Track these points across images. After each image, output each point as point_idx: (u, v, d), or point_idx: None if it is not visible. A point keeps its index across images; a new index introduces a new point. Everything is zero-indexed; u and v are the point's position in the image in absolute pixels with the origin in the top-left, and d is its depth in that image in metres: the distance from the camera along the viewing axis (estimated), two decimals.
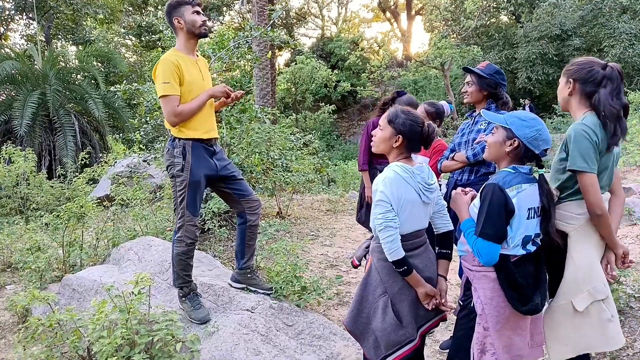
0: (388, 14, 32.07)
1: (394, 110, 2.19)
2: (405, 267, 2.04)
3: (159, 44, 19.88)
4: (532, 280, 2.03)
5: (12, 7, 18.83)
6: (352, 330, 2.24)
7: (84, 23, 21.48)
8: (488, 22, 22.80)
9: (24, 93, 12.77)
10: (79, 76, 15.53)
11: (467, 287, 2.35)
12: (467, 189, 2.26)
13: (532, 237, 2.03)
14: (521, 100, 18.63)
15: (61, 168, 9.27)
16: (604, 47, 18.24)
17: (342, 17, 33.63)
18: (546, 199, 2.01)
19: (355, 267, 2.55)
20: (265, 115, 6.29)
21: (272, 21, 7.52)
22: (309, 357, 2.82)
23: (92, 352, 2.51)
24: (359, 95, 26.14)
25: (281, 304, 3.20)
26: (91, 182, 8.32)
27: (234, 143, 5.61)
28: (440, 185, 3.11)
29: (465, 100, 3.15)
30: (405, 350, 2.08)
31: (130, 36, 25.21)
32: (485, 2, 20.79)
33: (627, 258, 2.16)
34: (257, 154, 5.73)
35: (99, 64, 17.74)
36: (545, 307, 2.15)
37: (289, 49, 27.35)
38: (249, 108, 5.92)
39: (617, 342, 2.08)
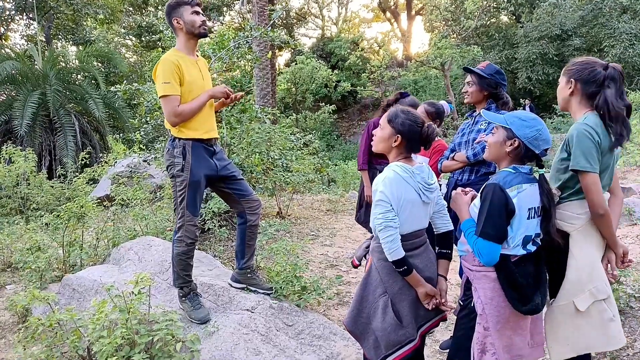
0: (388, 14, 32.07)
1: (394, 109, 2.19)
2: (405, 267, 2.04)
3: (159, 44, 19.90)
4: (532, 280, 2.03)
5: (13, 7, 18.84)
6: (352, 330, 2.23)
7: (84, 23, 21.49)
8: (488, 22, 22.81)
9: (24, 93, 12.78)
10: (79, 76, 15.53)
11: (467, 287, 2.35)
12: (467, 189, 2.26)
13: (533, 237, 2.03)
14: (521, 100, 18.63)
15: (61, 168, 9.27)
16: (604, 47, 18.24)
17: (342, 17, 33.64)
18: (546, 199, 2.01)
19: (356, 267, 2.55)
20: (266, 115, 6.29)
21: (272, 21, 7.53)
22: (309, 357, 2.82)
23: (92, 352, 2.51)
24: (359, 95, 26.16)
25: (281, 303, 3.20)
26: (91, 182, 8.32)
27: (234, 143, 5.61)
28: (440, 185, 3.11)
29: (465, 101, 3.15)
30: (405, 350, 2.08)
31: (131, 36, 25.21)
32: (486, 2, 20.79)
33: (626, 257, 2.17)
34: (257, 154, 5.73)
35: (99, 64, 17.75)
36: (546, 307, 2.15)
37: (289, 49, 27.36)
38: (249, 108, 5.92)
39: (618, 342, 2.08)
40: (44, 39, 18.70)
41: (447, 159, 3.16)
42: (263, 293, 3.24)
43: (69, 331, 2.63)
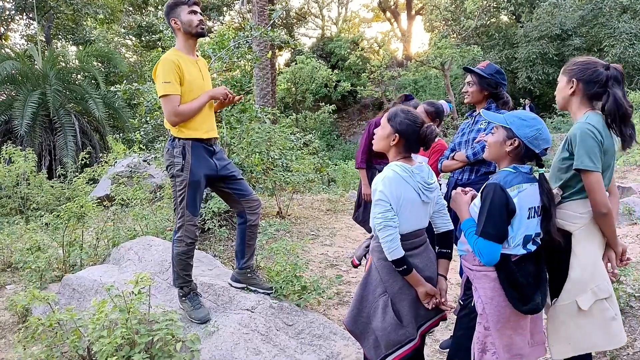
0: (388, 14, 32.07)
1: (394, 108, 2.19)
2: (405, 267, 2.04)
3: (159, 44, 19.90)
4: (532, 279, 2.03)
5: (13, 7, 18.84)
6: (352, 330, 2.23)
7: (84, 23, 21.49)
8: (488, 22, 22.82)
9: (24, 93, 12.78)
10: (79, 76, 15.54)
11: (467, 286, 2.35)
12: (467, 189, 2.26)
13: (533, 236, 2.03)
14: (521, 100, 18.64)
15: (61, 168, 9.27)
16: (604, 46, 18.25)
17: (342, 17, 33.65)
18: (546, 198, 2.01)
19: (356, 266, 2.54)
20: (266, 115, 6.29)
21: (272, 21, 7.52)
22: (309, 357, 2.82)
23: (92, 352, 2.51)
24: (359, 95, 26.15)
25: (281, 303, 3.20)
26: (91, 182, 8.32)
27: (234, 143, 5.61)
28: (440, 184, 3.11)
29: (466, 100, 3.15)
30: (405, 350, 2.08)
31: (131, 36, 25.22)
32: (486, 1, 20.79)
33: (624, 256, 2.18)
34: (257, 153, 5.73)
35: (99, 64, 17.75)
36: (548, 307, 2.15)
37: (289, 48, 27.36)
38: (249, 108, 5.92)
39: (619, 341, 2.08)
40: (43, 39, 18.71)
41: (447, 158, 3.16)
42: (263, 293, 3.24)
43: (69, 331, 2.63)
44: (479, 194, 2.10)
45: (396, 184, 2.05)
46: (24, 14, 19.51)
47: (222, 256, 4.78)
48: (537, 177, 2.06)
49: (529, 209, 2.00)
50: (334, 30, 32.33)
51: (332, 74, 24.57)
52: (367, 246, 2.35)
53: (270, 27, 6.68)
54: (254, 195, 3.16)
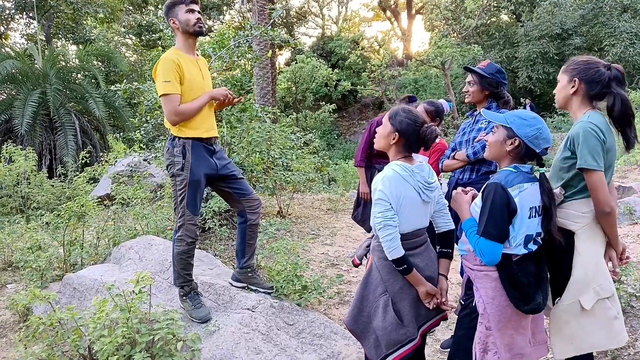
0: (388, 13, 32.06)
1: (396, 107, 2.19)
2: (405, 266, 2.04)
3: (159, 43, 19.88)
4: (533, 279, 2.03)
5: (13, 6, 18.83)
6: (353, 329, 2.23)
7: (84, 22, 21.48)
8: (488, 21, 22.82)
9: (24, 92, 12.78)
10: (79, 75, 15.55)
11: (468, 286, 2.35)
12: (468, 189, 2.26)
13: (534, 236, 2.03)
14: (522, 100, 18.64)
15: (62, 167, 9.26)
16: (605, 46, 18.24)
17: (343, 16, 33.64)
18: (547, 198, 2.01)
19: (356, 266, 2.55)
20: (266, 115, 6.28)
21: (272, 20, 7.52)
22: (309, 356, 2.82)
23: (93, 351, 2.51)
24: (360, 95, 26.16)
25: (282, 303, 3.20)
26: (92, 181, 8.32)
27: (234, 142, 5.61)
28: (441, 183, 3.11)
29: (466, 100, 3.15)
30: (406, 350, 2.08)
31: (131, 35, 25.22)
32: (486, 1, 20.80)
33: (624, 254, 2.20)
34: (257, 153, 5.73)
35: (99, 63, 17.76)
36: (548, 308, 2.15)
37: (290, 48, 27.35)
38: (250, 107, 5.91)
39: (621, 340, 2.08)
40: (44, 38, 18.71)
41: (448, 158, 3.16)
42: (264, 292, 3.24)
43: (70, 330, 2.63)
44: (480, 194, 2.09)
45: (396, 183, 2.05)
46: (24, 13, 19.50)
47: (223, 255, 4.78)
48: (538, 176, 2.05)
49: (530, 208, 2.00)
50: (334, 30, 32.34)
51: (332, 73, 24.58)
52: (368, 245, 2.35)
53: (270, 26, 6.67)
54: (254, 194, 3.16)
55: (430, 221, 2.26)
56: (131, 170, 7.77)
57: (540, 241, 2.08)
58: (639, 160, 8.99)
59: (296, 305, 3.24)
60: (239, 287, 3.26)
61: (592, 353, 2.17)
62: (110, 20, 22.54)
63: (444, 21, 23.73)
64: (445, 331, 3.37)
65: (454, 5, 22.90)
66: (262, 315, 3.02)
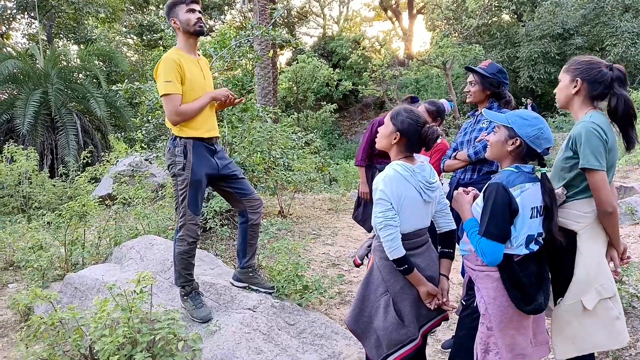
0: (389, 13, 32.05)
1: (397, 107, 2.19)
2: (406, 266, 2.04)
3: (161, 42, 19.91)
4: (535, 279, 2.02)
5: (14, 6, 18.86)
6: (354, 329, 2.23)
7: (86, 22, 21.52)
8: (490, 21, 22.79)
9: (26, 92, 12.80)
10: (80, 75, 15.57)
11: (469, 286, 2.34)
12: (469, 189, 2.26)
13: (535, 236, 2.03)
14: (523, 99, 18.61)
15: (63, 167, 9.28)
16: (606, 45, 18.21)
17: (344, 16, 33.63)
18: (548, 198, 2.01)
19: (358, 266, 2.54)
20: (267, 114, 6.28)
21: (273, 20, 7.54)
22: (310, 356, 2.82)
23: (94, 351, 2.51)
24: (361, 94, 26.13)
25: (283, 303, 3.20)
26: (93, 181, 8.34)
27: (235, 142, 5.61)
28: (442, 183, 3.11)
29: (468, 100, 3.15)
30: (406, 350, 2.08)
31: (132, 35, 25.25)
32: (487, 1, 20.77)
33: (625, 254, 2.20)
34: (258, 152, 5.73)
35: (101, 63, 17.79)
36: (549, 310, 2.15)
37: (291, 48, 27.35)
38: (251, 107, 5.91)
39: (623, 340, 2.08)
40: (45, 38, 18.74)
41: (450, 158, 3.15)
42: (265, 292, 3.24)
43: (71, 330, 2.63)
44: (481, 194, 2.09)
45: (397, 183, 2.05)
46: (26, 13, 19.54)
47: (224, 255, 4.78)
48: (539, 176, 2.05)
49: (532, 208, 1.99)
50: (336, 29, 32.33)
51: (333, 73, 24.56)
52: (369, 245, 2.35)
53: (271, 26, 6.67)
54: (255, 194, 3.16)
55: (432, 221, 2.26)
56: (132, 170, 7.78)
57: (542, 241, 2.07)
58: None
59: (297, 305, 3.24)
60: (240, 287, 3.26)
61: (593, 353, 2.17)
62: (111, 20, 22.57)
63: (445, 21, 23.71)
64: (446, 331, 3.37)
65: (455, 5, 22.87)
66: (263, 315, 3.02)
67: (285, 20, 28.86)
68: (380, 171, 2.18)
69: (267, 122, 6.27)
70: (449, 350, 2.74)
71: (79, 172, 8.22)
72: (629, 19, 18.27)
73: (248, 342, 2.77)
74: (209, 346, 2.72)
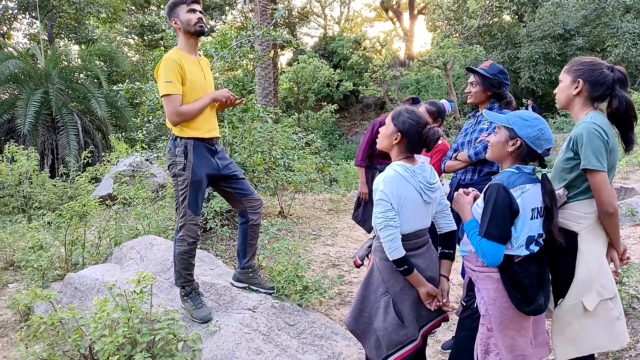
0: (390, 13, 32.05)
1: (399, 108, 2.20)
2: (406, 267, 2.04)
3: (162, 43, 19.88)
4: (535, 280, 2.02)
5: (15, 6, 18.89)
6: (354, 330, 2.23)
7: (87, 22, 21.53)
8: (491, 22, 22.77)
9: (26, 92, 12.82)
10: (81, 75, 15.59)
11: (469, 287, 2.34)
12: (470, 189, 2.26)
13: (536, 237, 2.02)
14: (524, 100, 18.60)
15: (64, 167, 9.29)
16: (607, 46, 18.20)
17: (345, 16, 33.62)
18: (549, 199, 2.01)
19: (358, 266, 2.54)
20: (268, 115, 6.28)
21: (274, 20, 7.54)
22: (310, 357, 2.82)
23: (94, 351, 2.52)
24: (361, 95, 26.14)
25: (283, 303, 3.20)
26: (93, 181, 8.34)
27: (236, 142, 5.61)
28: (442, 183, 3.11)
29: (469, 101, 3.14)
30: (406, 350, 2.08)
31: (133, 35, 25.26)
32: (488, 1, 20.77)
33: (624, 255, 2.20)
34: (259, 153, 5.72)
35: (102, 63, 17.81)
36: (550, 311, 2.15)
37: (292, 48, 27.34)
38: (252, 107, 5.92)
39: (623, 341, 2.08)
40: (46, 38, 18.76)
41: (451, 158, 3.15)
42: (265, 292, 3.24)
43: (71, 330, 2.63)
44: (482, 195, 2.09)
45: (397, 183, 2.05)
46: (27, 13, 19.55)
47: (224, 256, 4.78)
48: (540, 177, 2.05)
49: (532, 209, 1.99)
50: (336, 30, 32.32)
51: (334, 74, 24.54)
52: (370, 246, 2.35)
53: (272, 27, 6.67)
54: (255, 194, 3.16)
55: (432, 222, 2.26)
56: (133, 170, 7.79)
57: (542, 242, 2.07)
58: None
59: (297, 306, 3.24)
60: (240, 288, 3.26)
61: (593, 354, 2.17)
62: (112, 20, 22.58)
63: (446, 21, 23.70)
64: (446, 332, 3.37)
65: (456, 5, 22.86)
66: (263, 316, 3.02)
67: (286, 20, 28.86)
68: (380, 172, 2.18)
69: (267, 122, 6.27)
70: (449, 351, 2.74)
71: (79, 172, 8.23)
72: (630, 20, 18.25)
73: (248, 342, 2.76)
74: (208, 346, 2.72)
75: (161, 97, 2.87)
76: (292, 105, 24.60)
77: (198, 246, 3.18)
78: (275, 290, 3.27)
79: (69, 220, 4.35)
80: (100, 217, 5.29)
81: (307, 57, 24.15)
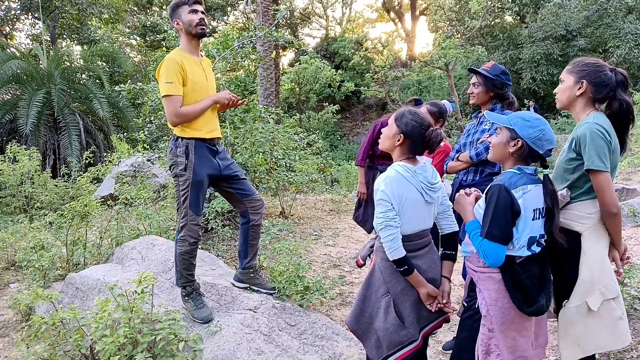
0: (392, 14, 32.04)
1: (402, 109, 2.20)
2: (406, 267, 2.03)
3: (164, 43, 19.88)
4: (537, 281, 2.02)
5: (18, 6, 18.93)
6: (355, 330, 2.23)
7: (89, 23, 21.58)
8: (492, 23, 22.74)
9: (29, 92, 12.84)
10: (83, 76, 15.62)
11: (471, 288, 2.34)
12: (471, 190, 2.25)
13: (537, 238, 2.02)
14: (525, 101, 18.57)
15: (65, 167, 9.31)
16: (609, 47, 18.16)
17: (346, 17, 33.62)
18: (550, 200, 2.00)
19: (360, 266, 2.54)
20: (269, 115, 6.28)
21: (276, 21, 7.53)
22: (311, 357, 2.82)
23: (95, 351, 2.52)
24: (363, 96, 26.11)
25: (284, 303, 3.19)
26: (95, 181, 8.35)
27: (237, 143, 5.61)
28: (444, 183, 3.11)
29: (471, 101, 3.14)
30: (407, 351, 2.08)
31: (135, 36, 25.30)
32: (490, 2, 20.74)
33: (624, 255, 2.21)
34: (260, 153, 5.73)
35: (104, 64, 17.83)
36: (550, 312, 2.14)
37: (293, 49, 27.38)
38: (253, 108, 5.92)
39: (625, 341, 2.08)
40: (48, 39, 18.79)
41: (453, 159, 3.15)
42: (266, 293, 3.24)
43: (72, 330, 2.63)
44: (484, 195, 2.09)
45: (398, 183, 2.05)
46: (29, 13, 19.60)
47: (225, 256, 4.78)
48: (542, 178, 2.05)
49: (534, 210, 1.99)
50: (338, 31, 32.33)
51: (335, 74, 24.53)
52: (372, 246, 2.35)
53: (274, 27, 6.68)
54: (257, 195, 3.16)
55: (434, 222, 2.26)
56: (134, 170, 7.80)
57: (544, 243, 2.07)
58: None
59: (298, 306, 3.24)
60: (241, 288, 3.26)
61: (594, 355, 2.16)
62: (114, 21, 22.64)
63: (448, 22, 23.68)
64: (447, 333, 3.36)
65: (458, 6, 22.84)
66: (264, 316, 3.02)
67: (288, 21, 28.87)
68: (382, 172, 2.18)
69: (269, 123, 6.27)
70: (450, 351, 2.73)
71: (81, 173, 8.24)
72: (632, 21, 18.21)
73: (249, 342, 2.76)
74: (209, 347, 2.72)
75: (162, 97, 2.87)
76: (294, 105, 24.60)
77: (199, 246, 3.18)
78: (276, 291, 3.26)
79: (70, 221, 4.35)
80: (102, 217, 5.29)
81: (309, 58, 24.16)
